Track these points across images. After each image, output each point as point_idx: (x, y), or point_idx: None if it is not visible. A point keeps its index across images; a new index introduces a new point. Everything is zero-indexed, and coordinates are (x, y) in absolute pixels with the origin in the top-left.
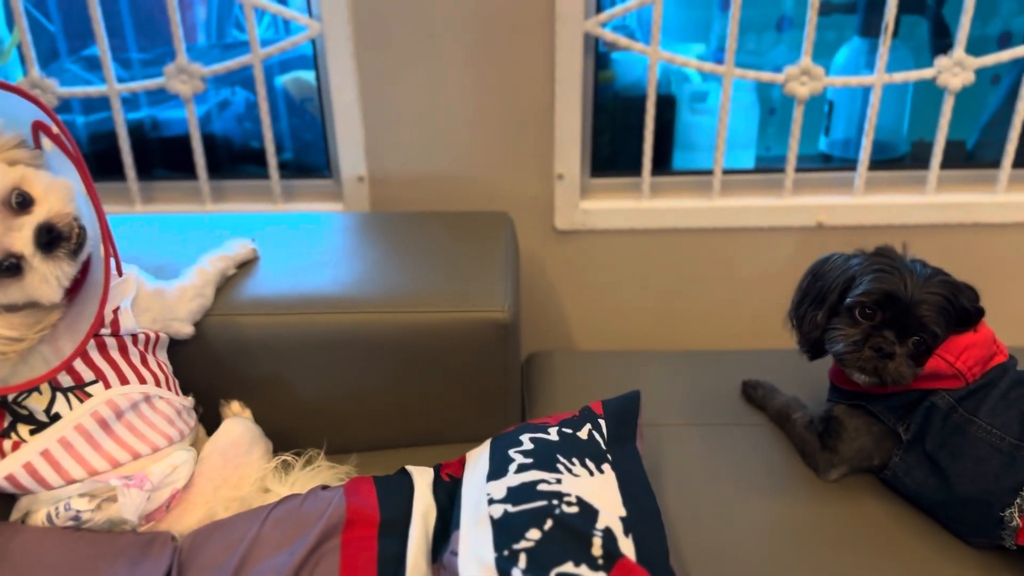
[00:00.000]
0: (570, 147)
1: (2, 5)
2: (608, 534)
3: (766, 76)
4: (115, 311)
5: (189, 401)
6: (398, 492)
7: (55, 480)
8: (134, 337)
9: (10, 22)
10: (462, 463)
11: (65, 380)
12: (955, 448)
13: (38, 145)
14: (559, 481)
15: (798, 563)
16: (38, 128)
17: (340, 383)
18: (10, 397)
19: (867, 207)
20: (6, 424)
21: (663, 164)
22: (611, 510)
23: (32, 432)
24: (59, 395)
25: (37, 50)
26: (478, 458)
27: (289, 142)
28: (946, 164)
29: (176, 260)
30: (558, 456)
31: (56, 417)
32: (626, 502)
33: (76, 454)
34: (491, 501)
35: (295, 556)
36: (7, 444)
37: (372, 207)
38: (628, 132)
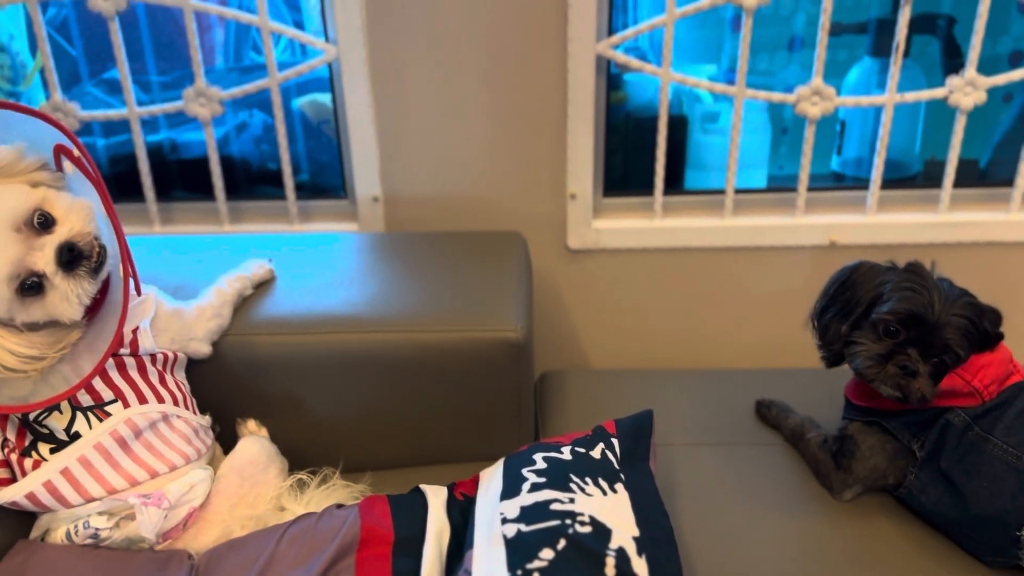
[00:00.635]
0: (582, 167)
1: (25, 30)
2: (621, 554)
3: (777, 96)
4: (134, 331)
5: (206, 420)
6: (412, 511)
7: (74, 498)
8: (152, 357)
9: (33, 47)
10: (475, 482)
11: (85, 399)
12: (971, 466)
13: (60, 168)
14: (572, 501)
15: None
16: (60, 151)
17: (355, 402)
18: (31, 416)
19: (880, 226)
20: (27, 443)
21: (675, 184)
22: (624, 530)
23: (52, 451)
24: (79, 414)
25: (59, 74)
26: (491, 477)
27: (306, 163)
28: (959, 183)
29: (194, 280)
30: (571, 475)
31: (76, 436)
32: (639, 522)
33: (95, 472)
34: (504, 520)
35: (310, 574)
36: (28, 463)
37: (387, 227)
38: (640, 152)
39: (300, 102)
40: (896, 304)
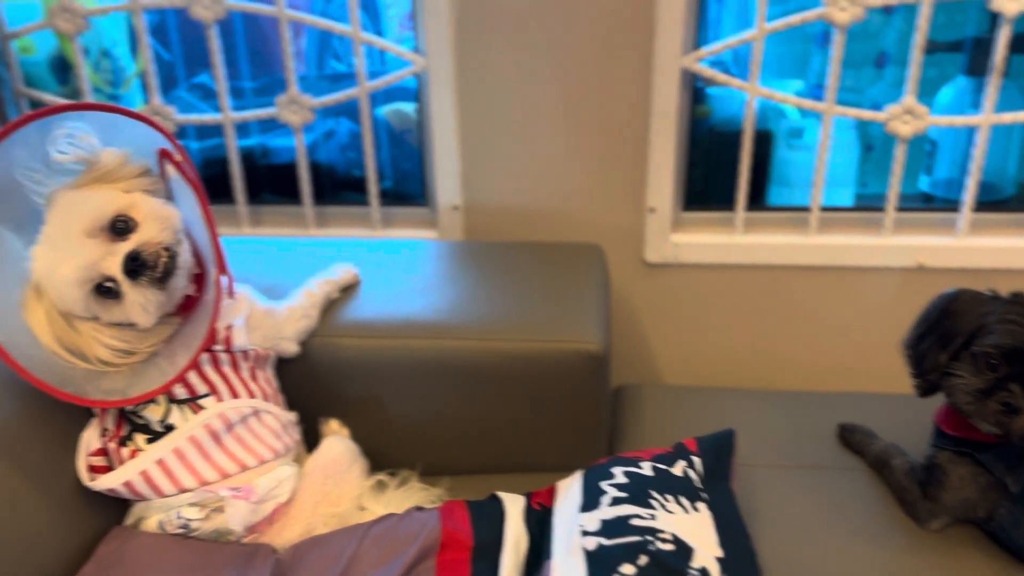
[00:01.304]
0: (663, 180)
1: (127, 35)
2: (704, 574)
3: (867, 114)
4: (228, 328)
5: (293, 416)
6: (490, 518)
7: (168, 488)
8: (244, 353)
9: (133, 51)
10: (552, 492)
11: (180, 392)
12: None
13: (163, 171)
14: (653, 517)
15: None
16: (163, 155)
17: (435, 407)
18: (129, 407)
19: (971, 249)
20: (124, 432)
21: (757, 200)
22: (707, 550)
23: (148, 441)
24: (174, 407)
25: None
26: (569, 489)
27: (389, 171)
28: None
29: (283, 281)
30: (652, 491)
31: (170, 428)
32: (723, 543)
33: (188, 464)
34: (584, 533)
35: (391, 575)
36: (125, 452)
37: (465, 235)
38: (721, 166)
39: (385, 111)
40: (1000, 338)
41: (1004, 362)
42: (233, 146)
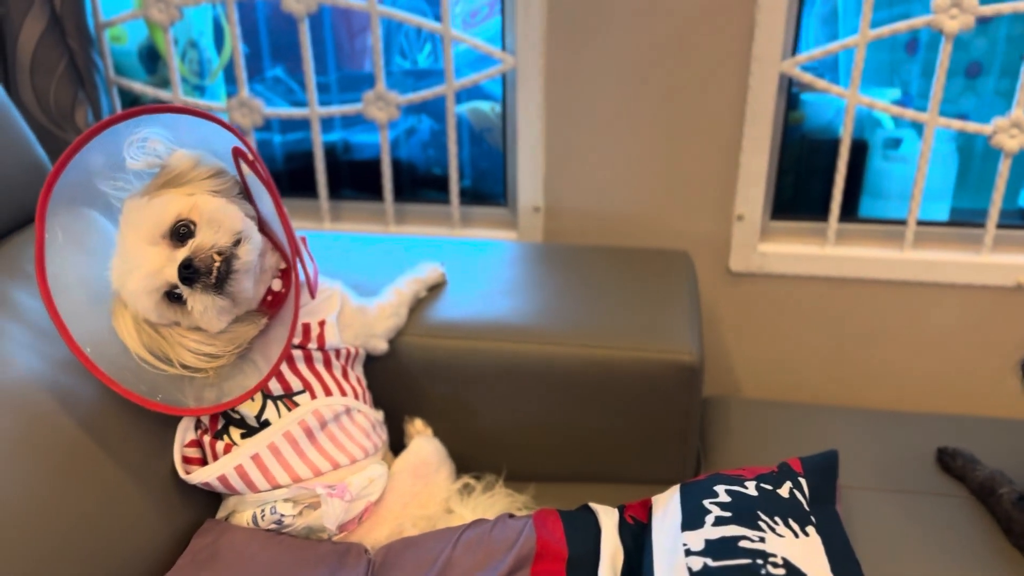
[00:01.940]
0: (753, 188)
1: (211, 28)
2: None
3: (972, 126)
4: (321, 324)
5: (381, 415)
6: (584, 529)
7: (262, 484)
8: (337, 351)
9: (218, 43)
10: (646, 506)
11: (275, 388)
12: None
13: (240, 170)
14: (763, 540)
15: None
16: (237, 154)
17: (522, 412)
18: None
19: None
20: (219, 426)
21: (849, 210)
22: None
23: (243, 435)
24: (269, 402)
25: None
26: (667, 504)
27: (468, 169)
28: None
29: (367, 278)
30: (759, 513)
31: (266, 423)
32: (835, 570)
33: (283, 460)
34: (688, 552)
35: None
36: (219, 446)
37: (545, 237)
38: (812, 175)
39: (465, 109)
40: None
41: None
42: (318, 141)
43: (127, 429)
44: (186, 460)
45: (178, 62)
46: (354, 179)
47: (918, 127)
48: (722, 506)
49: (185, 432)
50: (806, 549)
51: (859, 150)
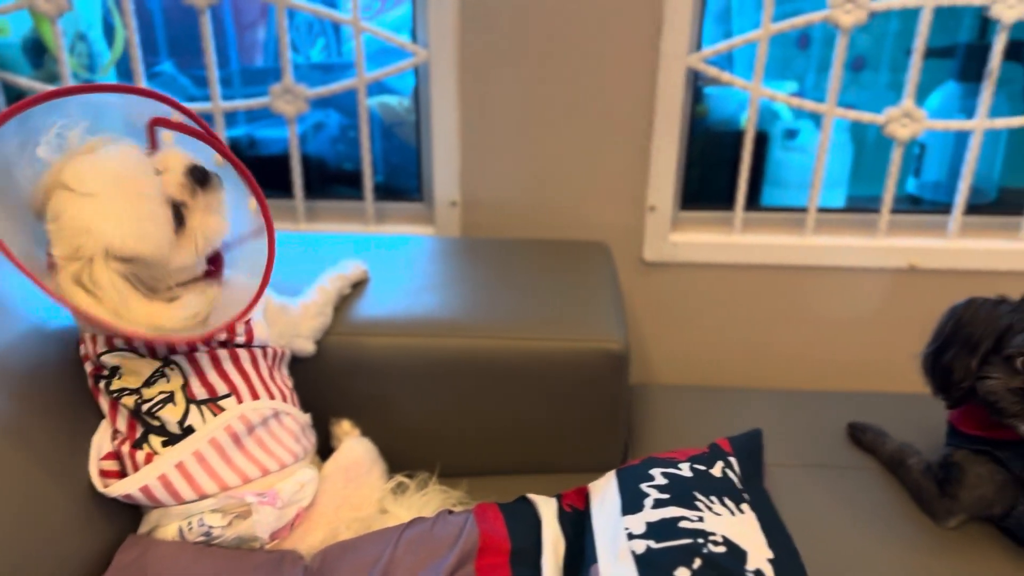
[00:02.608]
0: (664, 180)
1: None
2: None
3: (867, 116)
4: (247, 321)
5: (309, 418)
6: (524, 521)
7: (188, 493)
8: (263, 350)
9: (108, 36)
10: (582, 494)
11: (200, 392)
12: None
13: (153, 144)
14: (701, 519)
15: None
16: (154, 124)
17: (452, 407)
18: (143, 407)
19: (961, 251)
20: (138, 435)
21: (752, 200)
22: (759, 552)
23: (164, 444)
24: (192, 407)
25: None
26: (605, 490)
27: (380, 165)
28: None
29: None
30: (695, 493)
31: (189, 430)
32: (771, 544)
33: (209, 468)
34: (631, 536)
35: None
36: (140, 455)
37: (462, 232)
38: (717, 166)
39: (375, 104)
40: None
41: None
42: (223, 137)
43: (39, 441)
44: (105, 473)
45: (67, 55)
46: (260, 175)
47: (815, 118)
48: (659, 488)
49: (101, 443)
50: (743, 526)
51: (760, 141)
